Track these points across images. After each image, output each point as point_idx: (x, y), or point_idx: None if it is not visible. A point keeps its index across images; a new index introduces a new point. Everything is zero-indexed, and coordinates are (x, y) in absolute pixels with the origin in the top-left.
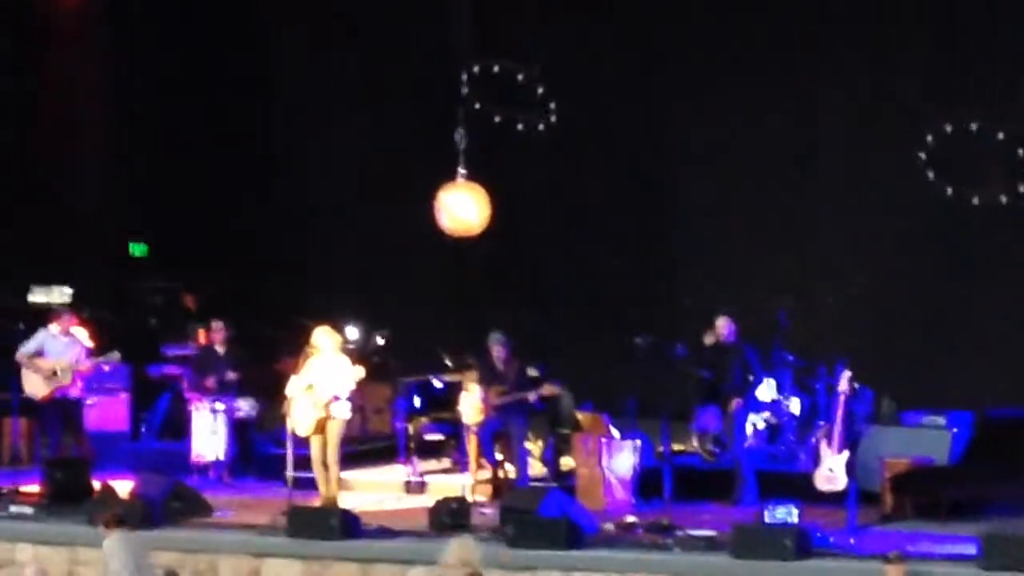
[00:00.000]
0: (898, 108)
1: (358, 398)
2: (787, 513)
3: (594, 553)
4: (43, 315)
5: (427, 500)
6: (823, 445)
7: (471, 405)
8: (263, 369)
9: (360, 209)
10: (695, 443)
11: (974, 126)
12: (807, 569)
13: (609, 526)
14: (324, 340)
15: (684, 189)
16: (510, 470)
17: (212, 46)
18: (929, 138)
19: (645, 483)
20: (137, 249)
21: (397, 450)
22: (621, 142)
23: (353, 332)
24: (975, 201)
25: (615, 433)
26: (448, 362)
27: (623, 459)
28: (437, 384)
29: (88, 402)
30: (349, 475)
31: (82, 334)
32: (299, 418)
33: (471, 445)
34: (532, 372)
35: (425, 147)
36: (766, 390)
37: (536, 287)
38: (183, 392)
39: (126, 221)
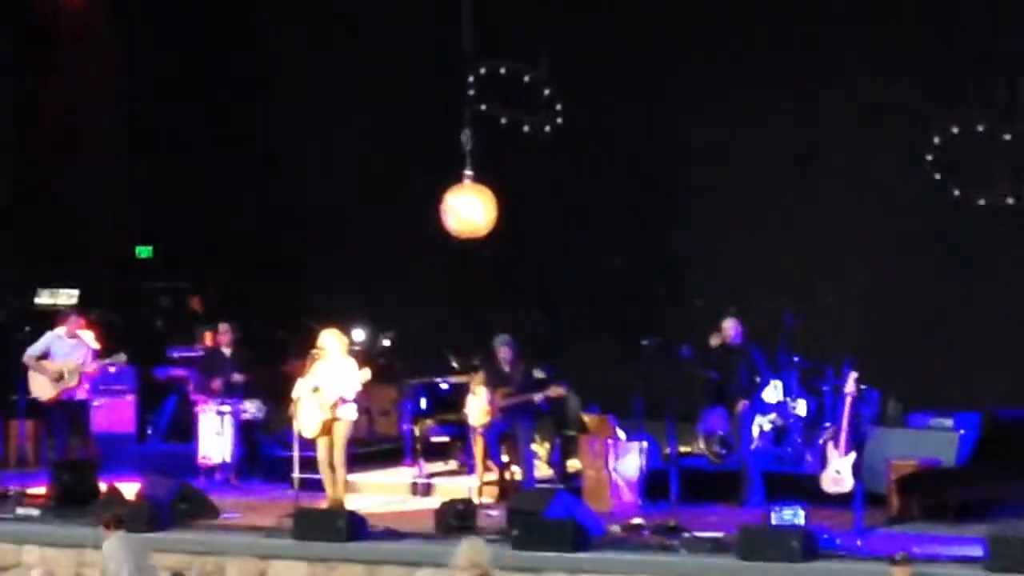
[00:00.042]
0: (898, 108)
1: (364, 400)
2: (794, 515)
3: (601, 555)
4: (50, 317)
5: (433, 502)
6: (830, 447)
7: (477, 407)
8: (270, 371)
9: (361, 209)
10: (702, 445)
11: (980, 127)
12: (813, 571)
13: (615, 528)
14: (331, 342)
15: (685, 189)
16: (516, 472)
17: (212, 46)
18: (936, 139)
19: (651, 485)
20: (143, 251)
21: (403, 452)
22: (623, 143)
23: (359, 334)
24: (981, 202)
25: (621, 435)
26: (454, 364)
27: (629, 461)
28: (443, 386)
29: (95, 404)
30: (355, 477)
31: (88, 336)
32: (306, 420)
33: (477, 447)
34: (538, 374)
35: (429, 148)
36: (773, 392)
37: (542, 289)
38: (189, 394)
39: (128, 222)
